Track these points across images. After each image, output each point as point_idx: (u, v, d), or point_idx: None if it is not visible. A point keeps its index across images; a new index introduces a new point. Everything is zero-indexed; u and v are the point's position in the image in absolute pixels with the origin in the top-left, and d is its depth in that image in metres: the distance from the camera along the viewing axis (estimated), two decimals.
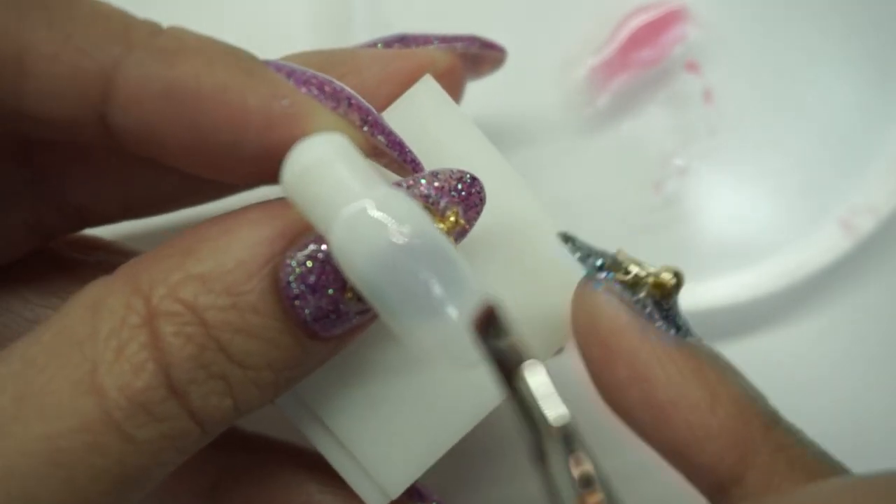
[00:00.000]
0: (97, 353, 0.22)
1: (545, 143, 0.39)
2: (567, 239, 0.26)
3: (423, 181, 0.24)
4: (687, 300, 0.37)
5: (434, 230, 0.22)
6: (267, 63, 0.25)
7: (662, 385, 0.24)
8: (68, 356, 0.22)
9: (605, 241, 0.38)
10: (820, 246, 0.38)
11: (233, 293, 0.23)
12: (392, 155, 0.25)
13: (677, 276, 0.25)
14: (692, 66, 0.39)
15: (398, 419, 0.27)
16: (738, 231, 0.39)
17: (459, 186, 0.25)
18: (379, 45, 0.30)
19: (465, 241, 0.26)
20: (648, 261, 0.25)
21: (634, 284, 0.25)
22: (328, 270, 0.23)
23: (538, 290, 0.27)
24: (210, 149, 0.24)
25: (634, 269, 0.25)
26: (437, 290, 0.21)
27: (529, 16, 0.40)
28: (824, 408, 0.37)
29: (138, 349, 0.22)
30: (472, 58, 0.32)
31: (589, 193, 0.39)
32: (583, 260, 0.25)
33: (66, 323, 0.22)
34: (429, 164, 0.26)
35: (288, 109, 0.23)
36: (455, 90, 0.30)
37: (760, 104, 0.39)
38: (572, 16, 0.39)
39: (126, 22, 0.24)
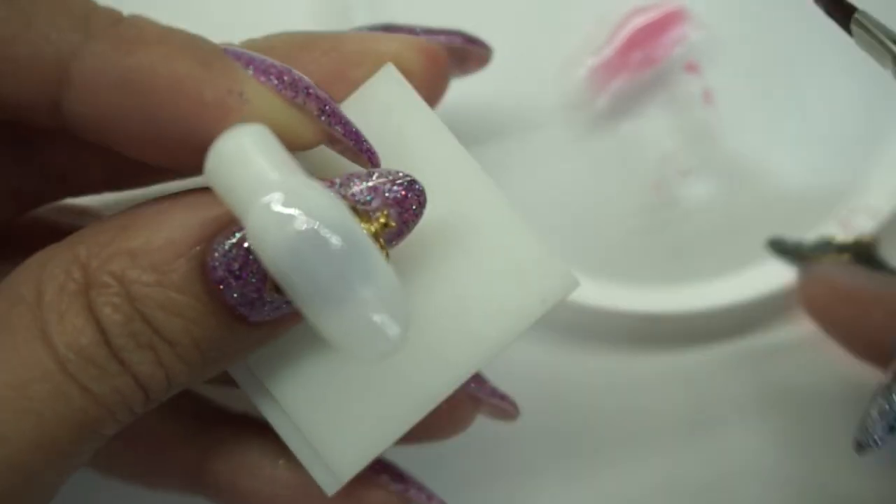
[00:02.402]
0: (43, 314, 0.23)
1: (545, 143, 0.39)
2: (777, 246, 0.28)
3: (356, 179, 0.25)
4: (687, 301, 0.38)
5: (349, 223, 0.22)
6: (226, 51, 0.25)
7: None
8: (20, 315, 0.23)
9: (605, 241, 0.39)
10: None
11: (158, 270, 0.23)
12: (348, 144, 0.25)
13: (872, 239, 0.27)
14: (692, 67, 0.39)
15: (352, 399, 0.27)
16: (739, 231, 0.39)
17: (395, 188, 0.25)
18: (364, 31, 0.30)
19: (421, 233, 0.26)
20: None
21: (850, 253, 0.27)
22: (252, 259, 0.23)
23: (494, 282, 0.27)
24: (164, 140, 0.24)
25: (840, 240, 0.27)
26: (346, 280, 0.22)
27: (529, 16, 0.40)
28: (824, 408, 0.37)
29: (76, 314, 0.23)
30: (458, 53, 0.32)
31: (589, 193, 0.39)
32: (798, 247, 0.26)
33: (15, 287, 0.24)
34: (386, 155, 0.26)
35: (244, 104, 0.24)
36: (438, 81, 0.30)
37: (760, 105, 0.39)
38: (572, 16, 0.39)
39: (87, 9, 0.24)
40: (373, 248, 0.22)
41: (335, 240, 0.22)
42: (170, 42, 0.24)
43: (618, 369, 0.38)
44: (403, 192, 0.25)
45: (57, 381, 0.23)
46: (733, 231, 0.39)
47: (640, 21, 0.39)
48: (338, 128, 0.25)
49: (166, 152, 0.24)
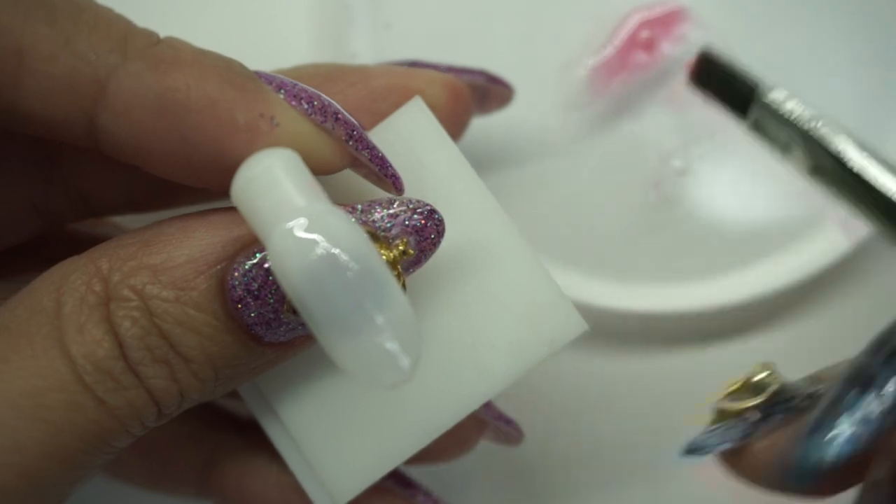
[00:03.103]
0: (62, 325, 0.23)
1: (545, 143, 0.39)
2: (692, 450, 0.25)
3: (378, 206, 0.25)
4: (687, 300, 0.38)
5: (369, 251, 0.22)
6: (259, 75, 0.25)
7: None
8: (39, 325, 0.23)
9: (605, 240, 0.39)
10: (819, 246, 0.38)
11: (178, 287, 0.24)
12: (373, 169, 0.26)
13: (769, 372, 0.24)
14: None
15: (355, 425, 0.27)
16: (738, 231, 0.39)
17: (415, 217, 0.25)
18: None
19: (437, 265, 0.26)
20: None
21: (764, 415, 0.24)
22: (271, 281, 0.24)
23: (505, 319, 0.27)
24: (194, 160, 0.24)
25: (742, 407, 0.24)
26: (362, 308, 0.22)
27: (529, 16, 0.40)
28: None
29: (96, 326, 0.23)
30: (480, 91, 0.33)
31: (589, 194, 0.39)
32: (708, 452, 0.24)
33: (36, 297, 0.24)
34: (408, 184, 0.27)
35: (274, 128, 0.24)
36: (461, 118, 0.30)
37: None
38: (572, 16, 0.39)
39: (126, 30, 0.24)
40: (390, 278, 0.23)
41: (354, 268, 0.22)
42: (204, 64, 0.24)
43: (617, 368, 0.38)
44: (423, 221, 0.25)
45: (73, 392, 0.23)
46: (733, 230, 0.39)
47: (640, 21, 0.39)
48: (364, 153, 0.26)
49: (196, 172, 0.25)
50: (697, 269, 0.38)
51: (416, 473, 0.32)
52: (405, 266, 0.25)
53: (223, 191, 0.24)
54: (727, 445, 0.24)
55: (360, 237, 0.23)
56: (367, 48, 0.38)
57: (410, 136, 0.28)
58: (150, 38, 0.24)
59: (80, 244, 0.26)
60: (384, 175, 0.26)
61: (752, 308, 0.38)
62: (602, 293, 0.38)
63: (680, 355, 0.38)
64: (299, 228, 0.22)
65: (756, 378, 0.24)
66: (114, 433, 0.24)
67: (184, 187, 0.27)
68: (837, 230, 0.38)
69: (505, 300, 0.27)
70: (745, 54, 0.39)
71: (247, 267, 0.24)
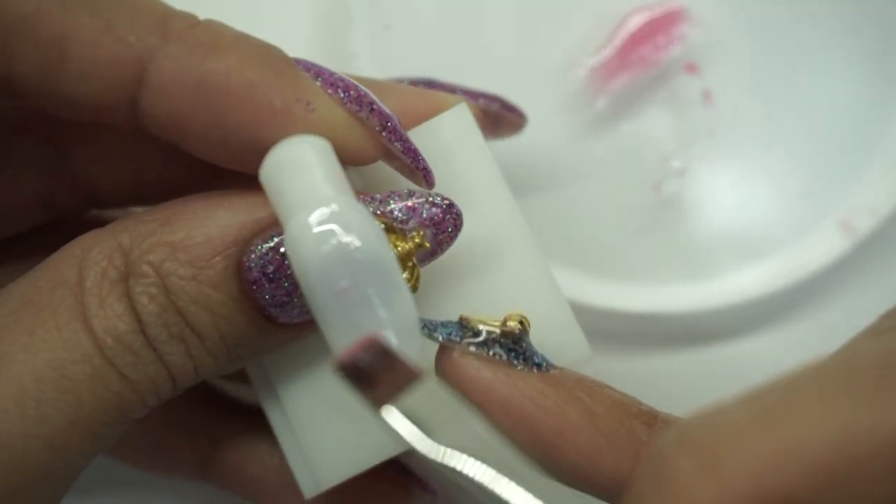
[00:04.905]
0: (85, 298, 0.24)
1: (545, 144, 0.39)
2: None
3: (396, 197, 0.26)
4: (687, 301, 0.38)
5: (382, 248, 0.23)
6: (298, 62, 0.25)
7: (542, 420, 0.25)
8: (63, 298, 0.24)
9: (605, 240, 0.39)
10: (819, 247, 0.38)
11: (195, 265, 0.24)
12: (405, 161, 0.26)
13: (522, 322, 0.26)
14: (691, 67, 0.39)
15: (351, 415, 0.27)
16: (738, 232, 0.39)
17: (434, 210, 0.26)
18: (405, 82, 0.31)
19: (454, 268, 0.27)
20: (494, 313, 0.26)
21: (486, 341, 0.26)
22: (287, 265, 0.24)
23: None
24: (231, 141, 0.25)
25: (482, 328, 0.26)
26: (367, 304, 0.23)
27: (529, 17, 0.40)
28: None
29: (116, 300, 0.24)
30: (493, 117, 0.33)
31: (589, 194, 0.39)
32: (429, 334, 0.25)
33: (59, 269, 0.24)
34: (440, 183, 0.27)
35: (310, 113, 0.25)
36: None
37: (760, 105, 0.39)
38: (572, 16, 0.39)
39: (165, 13, 0.25)
40: (398, 277, 0.23)
41: (365, 264, 0.23)
42: (244, 48, 0.25)
43: (616, 369, 0.38)
44: (441, 214, 0.26)
45: (96, 365, 0.24)
46: (733, 231, 0.39)
47: (639, 21, 0.39)
48: (397, 144, 0.26)
49: (232, 153, 0.25)
50: (697, 269, 0.38)
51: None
52: (420, 257, 0.25)
53: (256, 171, 0.25)
54: (449, 339, 0.25)
55: (376, 233, 0.23)
56: (366, 49, 0.38)
57: (450, 140, 0.28)
58: (189, 21, 0.25)
59: (86, 230, 0.26)
60: (416, 167, 0.26)
61: (752, 308, 0.38)
62: (602, 293, 0.38)
63: (680, 355, 0.38)
64: (318, 218, 0.23)
65: (510, 323, 0.25)
66: (133, 405, 0.24)
67: (192, 184, 0.27)
68: (837, 230, 0.38)
69: (520, 301, 0.27)
70: (745, 54, 0.39)
71: (263, 250, 0.24)
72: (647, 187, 0.39)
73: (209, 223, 0.25)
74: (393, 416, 0.21)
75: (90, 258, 0.24)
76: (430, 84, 0.32)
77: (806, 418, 0.19)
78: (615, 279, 0.38)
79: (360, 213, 0.23)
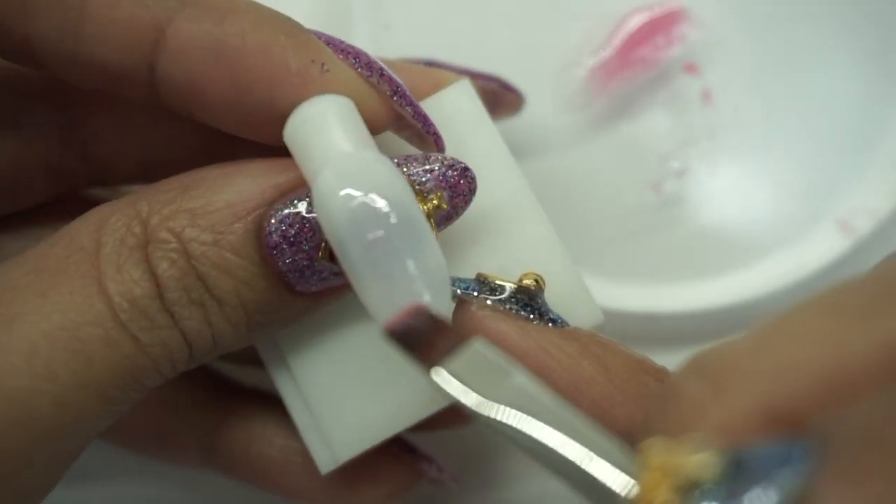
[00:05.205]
0: (101, 264, 0.24)
1: (544, 144, 0.39)
2: None
3: (413, 161, 0.26)
4: (687, 301, 0.38)
5: (409, 200, 0.24)
6: (308, 30, 0.26)
7: (556, 372, 0.25)
8: (78, 263, 0.24)
9: (605, 241, 0.39)
10: (818, 247, 0.38)
11: (216, 231, 0.25)
12: (416, 126, 0.27)
13: (537, 280, 0.26)
14: (691, 68, 0.39)
15: (364, 387, 0.27)
16: (738, 232, 0.39)
17: (450, 173, 0.26)
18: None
19: (466, 239, 0.27)
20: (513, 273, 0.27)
21: (502, 298, 0.26)
22: (307, 228, 0.25)
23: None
24: (246, 106, 0.25)
25: (499, 283, 0.26)
26: (398, 255, 0.23)
27: (529, 17, 0.40)
28: None
29: (134, 266, 0.24)
30: (492, 97, 0.34)
31: (588, 194, 0.39)
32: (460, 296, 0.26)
33: (75, 235, 0.25)
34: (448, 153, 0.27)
35: (325, 74, 0.25)
36: None
37: (759, 105, 0.39)
38: (572, 17, 0.39)
39: None
40: (428, 229, 0.24)
41: (394, 215, 0.23)
42: (259, 13, 0.25)
43: None
44: (457, 177, 0.26)
45: (108, 328, 0.24)
46: (733, 231, 0.39)
47: (639, 21, 0.39)
48: (408, 108, 0.27)
49: (248, 119, 0.26)
50: (697, 269, 0.38)
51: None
52: (438, 221, 0.26)
53: (271, 139, 0.25)
54: (467, 293, 0.26)
55: (404, 186, 0.24)
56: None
57: (454, 114, 0.28)
58: None
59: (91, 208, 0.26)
60: (427, 132, 0.27)
61: (752, 308, 0.38)
62: (601, 293, 0.37)
63: (680, 355, 0.38)
64: (347, 172, 0.23)
65: (526, 280, 0.26)
66: (145, 371, 0.24)
67: (203, 162, 0.27)
68: (837, 230, 0.38)
69: (526, 264, 0.27)
70: (745, 54, 0.39)
71: (284, 213, 0.25)
72: (647, 187, 0.39)
73: (229, 190, 0.25)
74: (443, 377, 0.22)
75: (108, 226, 0.25)
76: (430, 63, 0.32)
77: (805, 336, 0.19)
78: (614, 279, 0.38)
79: (388, 167, 0.24)
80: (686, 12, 0.39)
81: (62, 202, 0.31)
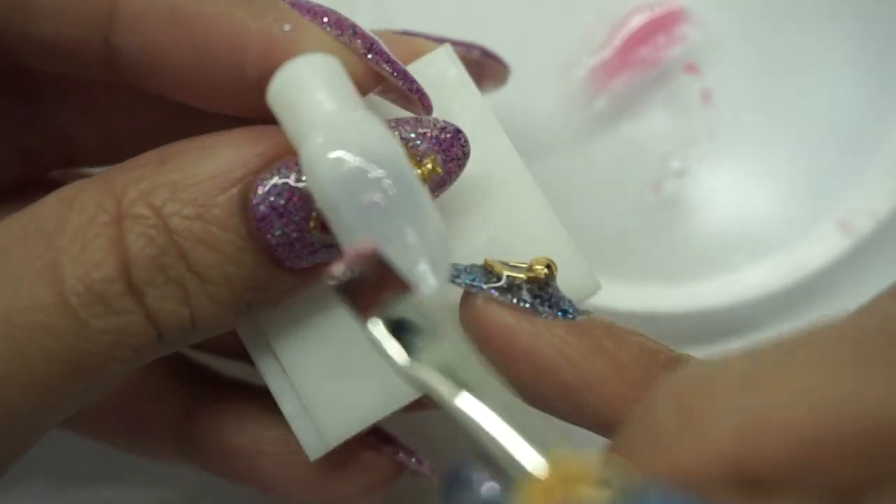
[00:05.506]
0: (63, 243, 0.22)
1: (544, 144, 0.39)
2: None
3: (405, 124, 0.25)
4: (687, 301, 0.38)
5: (403, 161, 0.22)
6: None
7: (566, 370, 0.24)
8: (34, 243, 0.23)
9: (605, 241, 0.38)
10: (819, 247, 0.38)
11: (199, 204, 0.23)
12: (397, 84, 0.25)
13: (549, 266, 0.25)
14: (691, 68, 0.39)
15: (350, 371, 0.27)
16: (738, 232, 0.39)
17: (442, 136, 0.25)
18: None
19: (456, 209, 0.26)
20: (520, 259, 0.26)
21: (510, 287, 0.25)
22: (296, 197, 0.23)
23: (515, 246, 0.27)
24: (210, 74, 0.24)
25: (506, 272, 0.25)
26: (394, 220, 0.22)
27: (529, 16, 0.40)
28: None
29: (102, 244, 0.23)
30: (475, 67, 0.32)
31: (588, 194, 0.39)
32: (452, 280, 0.25)
33: (37, 213, 0.23)
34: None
35: (289, 34, 0.24)
36: None
37: (759, 105, 0.39)
38: (572, 16, 0.39)
39: None
40: (424, 192, 0.22)
41: (388, 178, 0.22)
42: None
43: None
44: (450, 139, 0.25)
45: (50, 314, 0.22)
46: (733, 231, 0.39)
47: (639, 21, 0.39)
48: (385, 66, 0.25)
49: (213, 87, 0.24)
50: (697, 269, 0.38)
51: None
52: (432, 186, 0.25)
53: (238, 110, 0.24)
54: (472, 286, 0.25)
55: (396, 147, 0.22)
56: None
57: (437, 80, 0.27)
58: None
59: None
60: (409, 90, 0.25)
61: (752, 308, 0.38)
62: (601, 293, 0.37)
63: None
64: (336, 134, 0.22)
65: (537, 267, 0.25)
66: (96, 359, 0.23)
67: (161, 125, 0.27)
68: (837, 230, 0.38)
69: (518, 250, 0.26)
70: (745, 54, 0.39)
71: (271, 183, 0.23)
72: (647, 187, 0.39)
73: (210, 161, 0.23)
74: (378, 329, 0.21)
75: (78, 203, 0.23)
76: (406, 33, 0.31)
77: (792, 384, 0.18)
78: (614, 279, 0.38)
79: (380, 128, 0.22)
80: (686, 12, 0.39)
81: (34, 184, 0.29)
